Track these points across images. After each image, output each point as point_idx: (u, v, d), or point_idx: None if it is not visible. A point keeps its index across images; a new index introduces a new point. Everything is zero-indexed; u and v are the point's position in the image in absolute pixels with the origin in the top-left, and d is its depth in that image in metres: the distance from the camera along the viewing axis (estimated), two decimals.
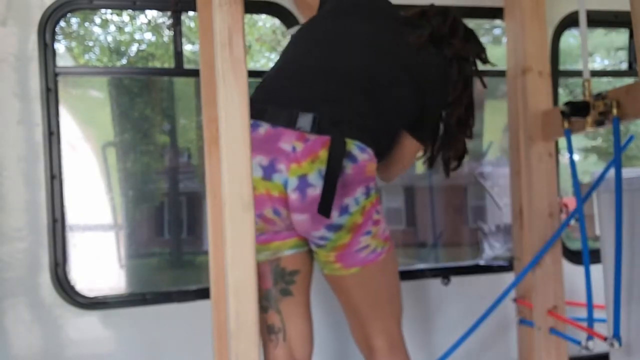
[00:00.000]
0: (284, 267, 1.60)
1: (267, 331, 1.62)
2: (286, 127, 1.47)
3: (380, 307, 1.63)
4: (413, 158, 1.81)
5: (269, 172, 1.46)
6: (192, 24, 3.65)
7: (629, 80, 3.07)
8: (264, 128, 1.49)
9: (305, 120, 1.46)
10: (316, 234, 1.50)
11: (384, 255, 1.57)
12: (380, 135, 1.57)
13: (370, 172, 1.51)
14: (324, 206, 1.41)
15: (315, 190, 1.44)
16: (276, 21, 2.77)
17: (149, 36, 5.33)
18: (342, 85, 1.55)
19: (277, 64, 1.70)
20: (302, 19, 2.58)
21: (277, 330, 1.62)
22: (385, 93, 1.57)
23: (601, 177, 1.99)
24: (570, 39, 3.73)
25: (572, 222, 2.32)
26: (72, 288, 2.34)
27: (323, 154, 1.43)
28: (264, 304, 1.60)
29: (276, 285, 1.61)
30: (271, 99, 1.55)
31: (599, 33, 8.07)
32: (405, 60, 1.63)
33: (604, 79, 4.30)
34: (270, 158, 1.46)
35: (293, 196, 1.45)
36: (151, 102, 4.69)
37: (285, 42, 2.52)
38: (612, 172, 1.85)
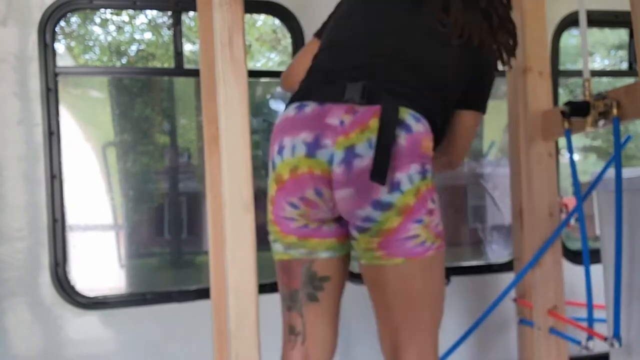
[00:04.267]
0: (315, 271, 1.51)
1: (287, 330, 1.58)
2: (334, 102, 1.37)
3: (417, 312, 1.42)
4: (475, 131, 1.68)
5: (312, 148, 1.36)
6: (192, 24, 3.65)
7: (629, 80, 3.07)
8: (311, 107, 1.40)
9: (353, 90, 1.37)
10: (361, 214, 1.36)
11: (433, 252, 1.39)
12: (436, 114, 1.44)
13: (427, 149, 1.36)
14: (378, 171, 1.27)
15: (363, 161, 1.31)
16: (276, 21, 2.77)
17: (149, 36, 5.32)
18: (393, 61, 1.45)
19: (323, 43, 1.59)
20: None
21: (297, 332, 1.55)
22: (437, 72, 1.47)
23: (600, 176, 1.99)
24: (570, 39, 3.73)
25: (572, 222, 2.32)
26: (72, 288, 2.34)
27: (373, 122, 1.31)
28: (289, 304, 1.53)
29: (304, 287, 1.52)
30: (318, 78, 1.48)
31: (596, 30, 8.06)
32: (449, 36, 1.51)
33: (604, 79, 4.31)
34: (315, 134, 1.36)
35: (337, 170, 1.34)
36: (151, 102, 4.69)
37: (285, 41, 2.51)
38: (611, 172, 1.85)
